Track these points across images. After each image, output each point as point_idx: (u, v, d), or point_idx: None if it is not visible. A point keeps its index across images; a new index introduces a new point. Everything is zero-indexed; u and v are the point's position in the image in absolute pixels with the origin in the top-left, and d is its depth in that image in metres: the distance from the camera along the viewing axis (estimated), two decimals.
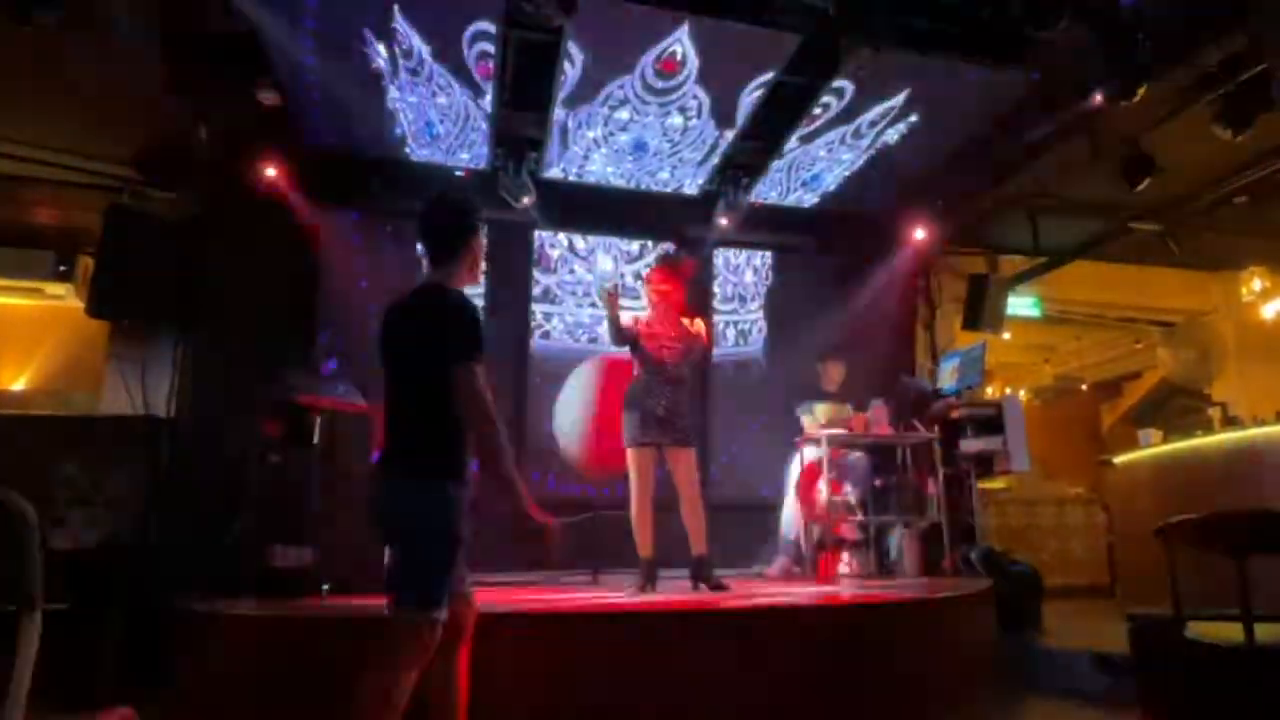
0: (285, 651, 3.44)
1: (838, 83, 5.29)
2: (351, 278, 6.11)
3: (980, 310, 7.41)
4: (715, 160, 6.36)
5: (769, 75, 5.31)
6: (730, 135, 5.99)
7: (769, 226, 7.29)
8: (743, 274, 7.58)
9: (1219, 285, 9.14)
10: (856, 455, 6.07)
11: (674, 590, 4.71)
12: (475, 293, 6.43)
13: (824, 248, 7.60)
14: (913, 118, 5.82)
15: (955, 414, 6.22)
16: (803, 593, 4.69)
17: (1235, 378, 8.88)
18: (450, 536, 2.45)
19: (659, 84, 5.37)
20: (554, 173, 6.46)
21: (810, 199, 7.01)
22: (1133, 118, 5.46)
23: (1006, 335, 8.40)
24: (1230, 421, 6.16)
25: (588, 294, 7.08)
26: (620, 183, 6.68)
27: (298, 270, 6.16)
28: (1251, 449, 5.57)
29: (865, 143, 6.14)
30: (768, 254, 7.64)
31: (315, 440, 4.88)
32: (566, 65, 5.12)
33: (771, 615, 3.88)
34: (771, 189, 6.80)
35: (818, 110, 5.64)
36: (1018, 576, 5.60)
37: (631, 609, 4.06)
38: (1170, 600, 2.81)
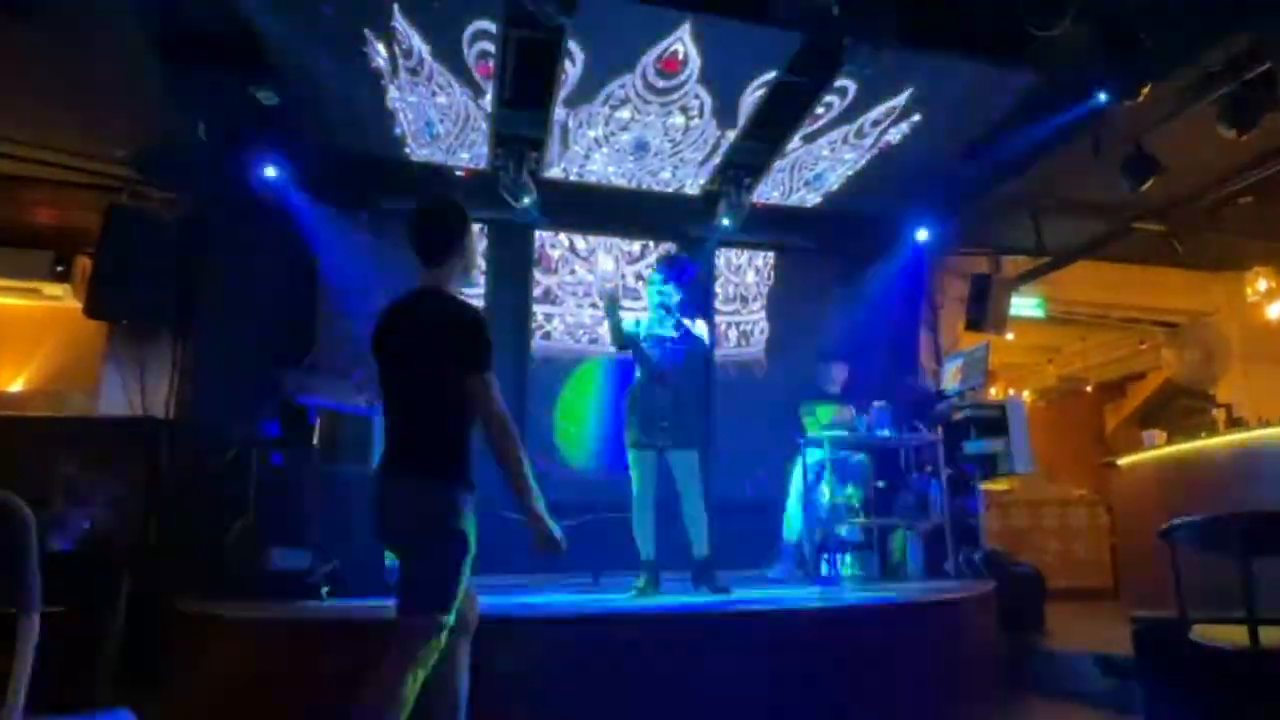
0: (284, 653, 3.44)
1: (840, 82, 5.26)
2: (350, 278, 6.08)
3: (984, 311, 7.39)
4: (717, 160, 6.34)
5: (771, 74, 5.28)
6: (732, 135, 5.97)
7: (771, 227, 7.26)
8: (744, 275, 7.56)
9: (1223, 286, 9.11)
10: (859, 457, 6.05)
11: (676, 593, 4.68)
12: (475, 293, 6.44)
13: (826, 248, 7.58)
14: (916, 117, 5.79)
15: (958, 415, 6.19)
16: (806, 595, 4.67)
17: (1240, 379, 8.85)
18: (458, 540, 2.45)
19: (660, 83, 5.35)
20: (555, 172, 6.44)
21: (813, 199, 6.98)
22: (1136, 117, 5.44)
23: (1010, 336, 8.38)
24: (1235, 423, 6.13)
25: (588, 294, 7.06)
26: (621, 183, 6.66)
27: (296, 270, 6.14)
28: (1256, 450, 5.53)
29: (868, 142, 6.11)
30: (770, 254, 7.62)
31: (314, 441, 4.87)
32: (567, 64, 5.10)
33: (774, 618, 3.86)
34: (774, 189, 6.78)
35: (820, 109, 5.61)
36: (1021, 578, 5.58)
37: (632, 612, 4.03)
38: (1174, 603, 2.78)
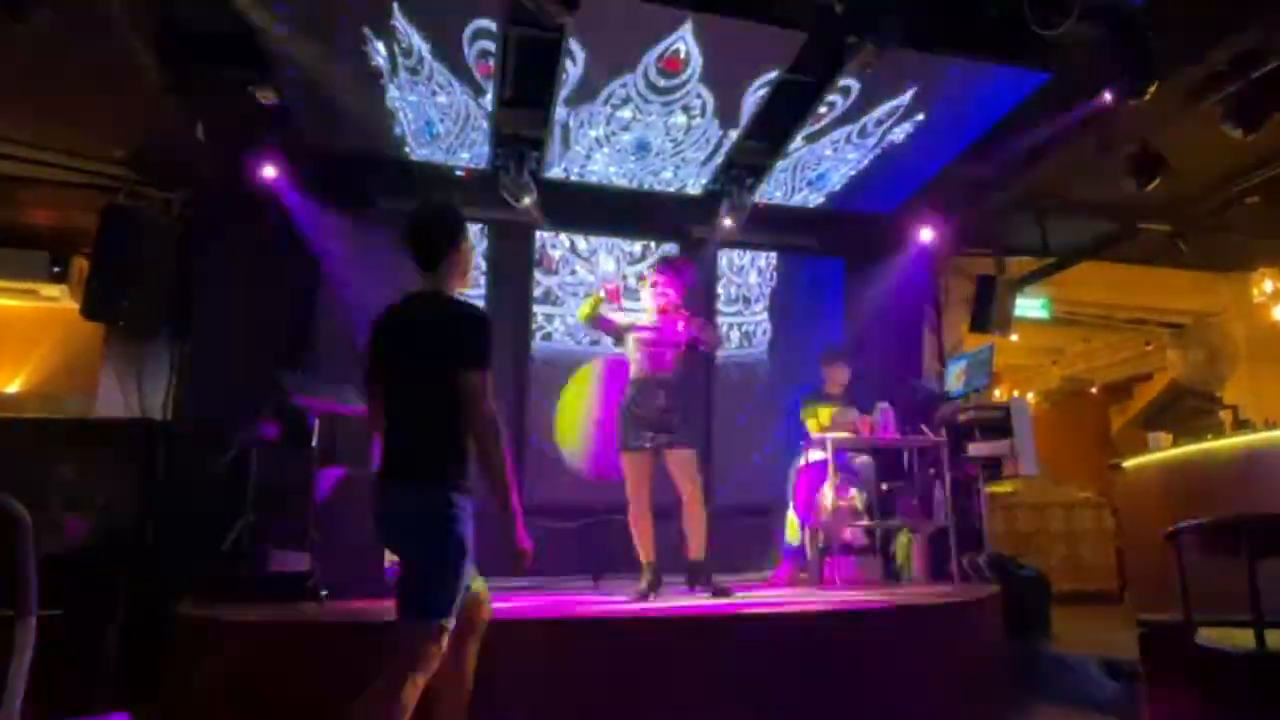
0: (283, 656, 3.42)
1: (844, 81, 5.23)
2: (350, 278, 6.05)
3: (988, 312, 7.37)
4: (719, 160, 6.30)
5: (774, 74, 5.25)
6: (734, 134, 5.93)
7: (773, 227, 7.23)
8: (747, 275, 7.53)
9: (1229, 286, 9.07)
10: (863, 459, 6.02)
11: (677, 596, 4.66)
12: (474, 294, 6.41)
13: (829, 248, 7.55)
14: (920, 116, 5.76)
15: (963, 417, 6.16)
16: (808, 598, 4.65)
17: (1246, 380, 8.82)
18: (457, 544, 2.43)
19: (662, 82, 5.32)
20: (555, 172, 6.41)
21: (816, 199, 6.95)
22: (1142, 117, 5.40)
23: (1014, 337, 8.33)
24: (1241, 424, 6.09)
25: (590, 295, 7.02)
26: (623, 183, 6.63)
27: (296, 271, 6.11)
28: (1263, 453, 5.49)
29: (872, 142, 6.08)
30: (772, 255, 7.58)
31: (314, 443, 4.85)
32: (568, 63, 5.07)
33: (777, 621, 3.84)
34: (776, 189, 6.74)
35: (823, 109, 5.58)
36: (1026, 581, 5.56)
37: (632, 615, 4.01)
38: (1180, 606, 2.76)
